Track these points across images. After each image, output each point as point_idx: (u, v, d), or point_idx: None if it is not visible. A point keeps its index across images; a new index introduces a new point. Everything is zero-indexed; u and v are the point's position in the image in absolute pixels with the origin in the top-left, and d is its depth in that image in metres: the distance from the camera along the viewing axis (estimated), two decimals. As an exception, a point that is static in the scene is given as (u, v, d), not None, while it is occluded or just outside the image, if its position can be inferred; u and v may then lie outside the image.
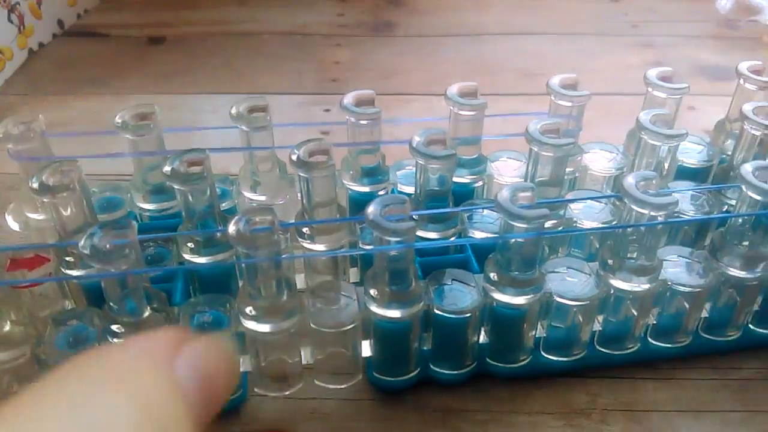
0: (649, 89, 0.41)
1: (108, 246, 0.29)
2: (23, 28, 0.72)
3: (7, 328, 0.32)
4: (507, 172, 0.42)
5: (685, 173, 0.43)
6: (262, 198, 0.40)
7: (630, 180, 0.32)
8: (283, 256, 0.32)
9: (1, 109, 0.64)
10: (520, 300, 0.34)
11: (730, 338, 0.38)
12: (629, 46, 0.76)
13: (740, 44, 0.75)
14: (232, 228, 0.30)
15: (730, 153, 0.42)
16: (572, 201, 0.39)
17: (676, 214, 0.39)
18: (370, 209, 0.30)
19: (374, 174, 0.41)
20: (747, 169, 0.33)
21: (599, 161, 0.43)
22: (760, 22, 0.78)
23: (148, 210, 0.40)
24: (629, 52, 0.74)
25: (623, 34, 0.79)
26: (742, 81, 0.42)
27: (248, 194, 0.40)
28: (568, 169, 0.40)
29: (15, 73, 0.70)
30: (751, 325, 0.39)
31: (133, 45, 0.77)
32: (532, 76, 0.46)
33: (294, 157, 0.34)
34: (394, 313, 0.33)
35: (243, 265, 0.31)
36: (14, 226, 0.40)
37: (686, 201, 0.40)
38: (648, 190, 0.32)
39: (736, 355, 0.39)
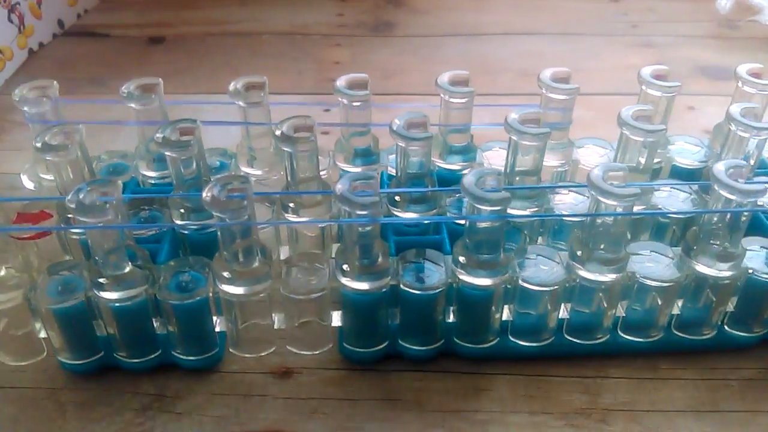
0: (643, 87, 0.42)
1: (94, 201, 0.32)
2: (23, 28, 0.72)
3: (2, 272, 0.35)
4: (496, 161, 0.44)
5: (680, 174, 0.45)
6: (258, 172, 0.43)
7: (596, 171, 0.34)
8: (256, 222, 0.34)
9: (1, 109, 0.64)
10: (485, 281, 0.35)
11: (704, 337, 0.39)
12: (629, 46, 0.76)
13: (740, 44, 0.76)
14: (206, 193, 0.33)
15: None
16: (540, 188, 0.40)
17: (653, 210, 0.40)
18: (339, 184, 0.33)
19: (366, 156, 0.43)
20: (719, 167, 0.35)
21: (591, 156, 0.45)
22: (760, 22, 0.78)
23: (150, 177, 0.44)
24: (629, 52, 0.75)
25: (623, 34, 0.79)
26: (740, 84, 0.43)
27: (245, 169, 0.43)
28: (557, 162, 0.43)
29: (15, 73, 0.71)
30: (726, 326, 0.40)
31: (133, 45, 0.78)
32: (532, 76, 0.46)
33: (278, 132, 0.37)
34: (362, 286, 0.35)
35: (218, 230, 0.34)
36: (29, 185, 0.43)
37: (674, 200, 0.41)
38: (613, 182, 0.33)
39: (736, 355, 0.40)
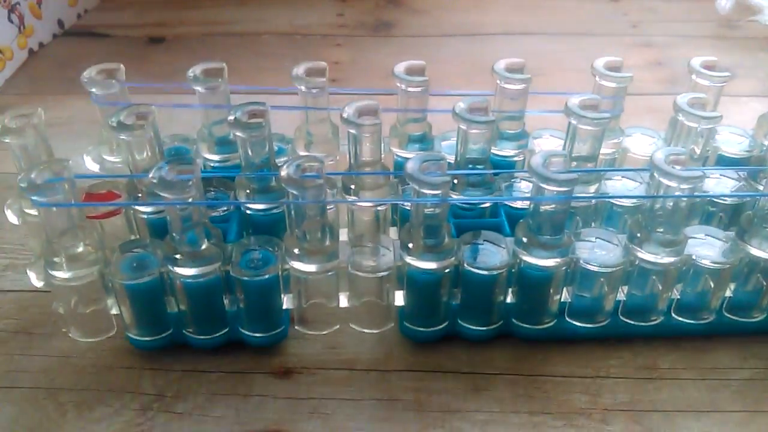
0: (693, 77, 0.45)
1: (174, 178, 0.33)
2: (23, 28, 0.73)
3: (80, 249, 0.36)
4: (548, 148, 0.45)
5: (726, 162, 0.46)
6: (316, 156, 0.43)
7: (659, 155, 0.35)
8: (328, 200, 0.36)
9: (1, 109, 0.64)
10: (547, 262, 0.37)
11: (755, 320, 0.40)
12: (629, 46, 0.77)
13: (740, 44, 0.76)
14: (283, 171, 0.34)
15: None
16: (602, 171, 0.42)
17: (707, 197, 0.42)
18: (409, 164, 0.34)
19: (420, 142, 0.44)
20: None
21: (640, 145, 0.46)
22: (760, 22, 0.78)
23: (212, 160, 0.45)
24: (629, 52, 0.75)
25: (623, 34, 0.80)
26: (694, 76, 0.45)
27: (302, 153, 0.44)
28: (608, 150, 0.44)
29: (15, 73, 0.72)
30: None
31: (133, 45, 0.78)
32: (532, 76, 0.46)
33: (345, 115, 0.38)
34: (428, 264, 0.36)
35: (291, 208, 0.35)
36: (93, 167, 0.44)
37: (723, 188, 0.43)
38: (675, 166, 0.35)
39: (736, 355, 0.40)
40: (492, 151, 0.44)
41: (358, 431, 0.36)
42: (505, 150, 0.44)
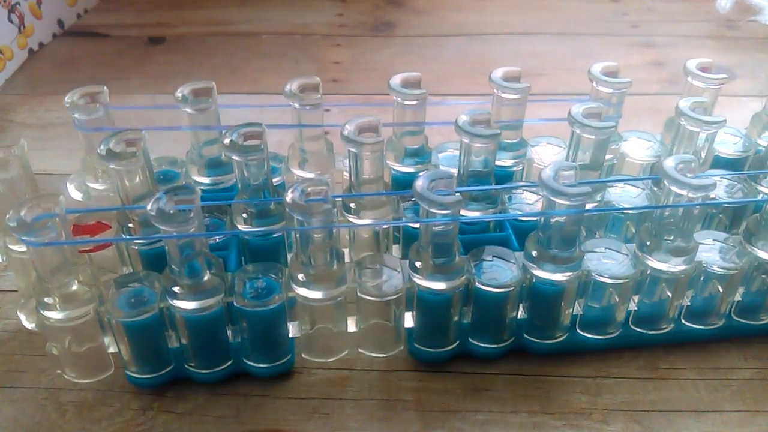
0: (689, 79, 0.43)
1: (173, 209, 0.31)
2: (23, 28, 0.72)
3: (74, 287, 0.34)
4: (547, 156, 0.44)
5: (721, 163, 0.45)
6: (310, 175, 0.42)
7: (669, 162, 0.34)
8: (334, 224, 0.34)
9: (1, 109, 0.64)
10: (559, 277, 0.35)
11: (763, 322, 0.40)
12: (629, 46, 0.76)
13: (740, 44, 0.76)
14: (288, 196, 0.32)
15: (766, 144, 0.44)
16: (611, 181, 0.41)
17: (712, 200, 0.41)
18: (419, 183, 0.33)
19: (417, 155, 0.43)
20: None
21: (637, 149, 0.45)
22: (760, 22, 0.78)
23: (203, 183, 0.43)
24: (629, 52, 0.75)
25: (623, 34, 0.79)
26: (690, 78, 0.44)
27: (296, 171, 0.43)
28: (607, 156, 0.42)
29: (15, 73, 0.71)
30: None
31: (133, 45, 0.77)
32: (532, 76, 0.46)
33: (345, 133, 0.36)
34: (438, 285, 0.35)
35: (296, 234, 0.34)
36: (76, 195, 0.42)
37: (721, 189, 0.42)
38: (686, 173, 0.34)
39: (736, 356, 0.40)
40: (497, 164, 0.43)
41: (358, 431, 0.35)
42: (504, 160, 0.43)
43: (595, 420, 0.36)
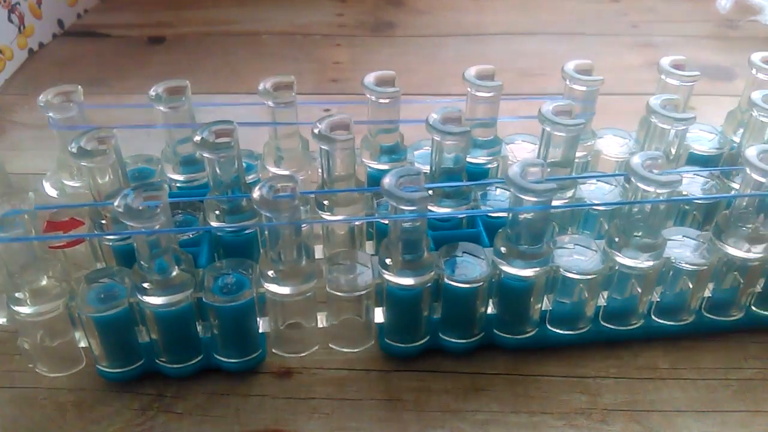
0: (662, 77, 0.44)
1: (140, 206, 0.32)
2: (23, 28, 0.72)
3: (44, 282, 0.35)
4: (521, 154, 0.44)
5: (696, 160, 0.46)
6: (286, 172, 0.42)
7: (636, 159, 0.34)
8: (302, 220, 0.34)
9: (1, 109, 0.64)
10: (527, 272, 0.36)
11: (733, 318, 0.40)
12: (629, 46, 0.76)
13: (740, 44, 0.76)
14: (256, 193, 0.33)
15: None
16: (580, 177, 0.41)
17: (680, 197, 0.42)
18: (386, 180, 0.33)
19: (393, 152, 0.43)
20: (751, 152, 0.35)
21: (612, 146, 0.46)
22: (760, 22, 0.78)
23: (178, 181, 0.43)
24: (629, 52, 0.75)
25: (623, 34, 0.79)
26: (754, 71, 0.45)
27: (272, 168, 0.43)
28: (580, 153, 0.43)
29: (15, 73, 0.71)
30: (753, 307, 0.40)
31: (133, 45, 0.77)
32: (533, 76, 0.46)
33: (316, 131, 0.37)
34: (407, 281, 0.35)
35: (266, 230, 0.34)
36: (52, 192, 0.43)
37: (695, 186, 0.42)
38: (653, 170, 0.34)
39: (736, 355, 0.39)
40: (468, 160, 0.43)
41: (358, 431, 0.36)
42: (478, 157, 0.43)
43: (595, 420, 0.36)
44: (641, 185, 0.34)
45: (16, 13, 0.71)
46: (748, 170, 0.35)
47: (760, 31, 0.79)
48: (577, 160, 0.44)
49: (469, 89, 0.42)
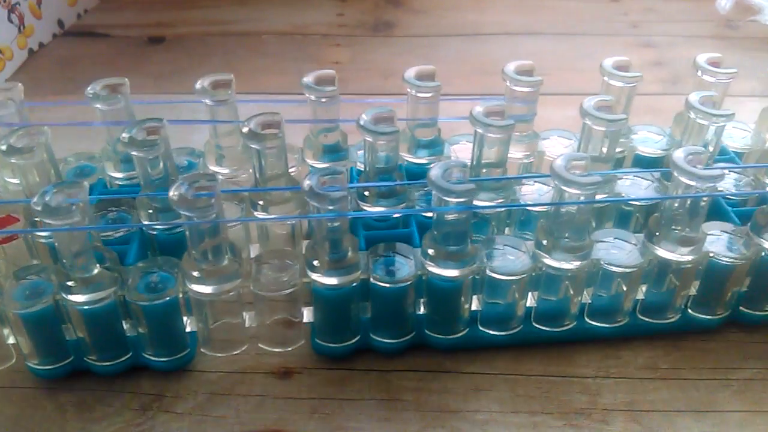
0: (605, 78, 0.44)
1: (59, 203, 0.32)
2: (23, 28, 0.73)
3: None
4: (464, 154, 0.44)
5: (643, 162, 0.46)
6: (226, 171, 0.43)
7: (559, 162, 0.34)
8: (223, 219, 0.35)
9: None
10: (453, 272, 0.36)
11: (669, 321, 0.40)
12: (629, 46, 0.76)
13: (740, 44, 0.76)
14: (173, 192, 0.33)
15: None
16: (513, 178, 0.41)
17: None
18: (307, 180, 0.33)
19: (334, 152, 0.44)
20: (678, 155, 0.35)
21: (556, 147, 0.46)
22: (760, 22, 0.78)
23: (117, 178, 0.44)
24: (629, 52, 0.74)
25: (623, 34, 0.79)
26: (699, 73, 0.45)
27: (213, 167, 0.44)
28: (523, 154, 0.44)
29: (15, 73, 0.72)
30: (689, 310, 0.40)
31: (133, 45, 0.78)
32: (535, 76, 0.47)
33: (245, 130, 0.37)
34: (331, 281, 0.36)
35: (187, 229, 0.34)
36: None
37: (636, 188, 0.42)
38: (575, 171, 0.34)
39: (736, 355, 0.40)
40: (407, 159, 0.44)
41: (358, 431, 0.36)
42: (421, 158, 0.44)
43: (595, 420, 0.36)
44: (563, 187, 0.34)
45: (16, 13, 0.71)
46: (675, 173, 0.35)
47: (760, 31, 0.78)
48: (521, 161, 0.44)
49: (409, 90, 0.42)
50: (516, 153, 0.43)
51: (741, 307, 0.41)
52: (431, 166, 0.34)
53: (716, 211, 0.42)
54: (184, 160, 0.45)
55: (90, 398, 0.37)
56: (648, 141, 0.46)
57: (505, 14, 0.84)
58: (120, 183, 0.44)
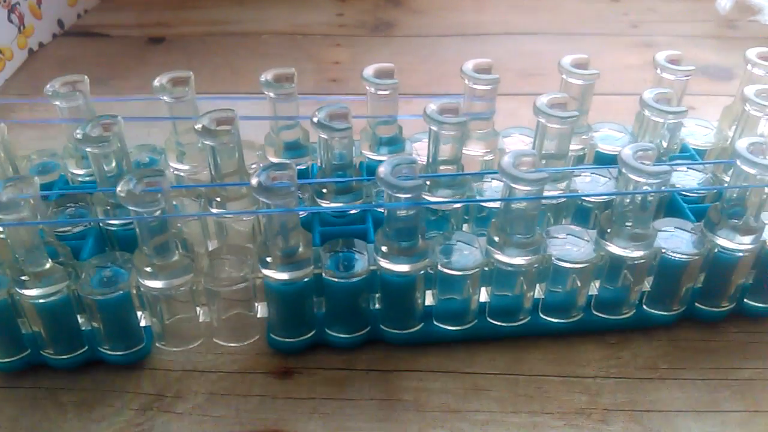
0: (563, 76, 0.45)
1: (8, 198, 0.33)
2: (23, 28, 0.73)
3: None
4: (425, 151, 0.44)
5: (603, 159, 0.46)
6: (187, 168, 0.44)
7: (507, 159, 0.35)
8: (171, 215, 0.35)
9: (1, 109, 0.64)
10: (404, 268, 0.36)
11: (624, 316, 0.41)
12: (629, 46, 0.76)
13: (740, 44, 0.76)
14: (120, 187, 0.33)
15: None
16: (463, 175, 0.41)
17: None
18: (255, 178, 0.34)
19: (295, 149, 0.44)
20: (626, 152, 0.35)
21: (517, 145, 0.46)
22: (760, 22, 0.78)
23: (78, 175, 0.45)
24: (629, 52, 0.75)
25: (623, 34, 0.79)
26: (659, 71, 0.44)
27: (174, 164, 0.44)
28: (484, 151, 0.44)
29: (15, 73, 0.72)
30: (644, 306, 0.41)
31: (133, 45, 0.78)
32: (533, 76, 0.46)
33: (198, 126, 0.37)
34: (283, 276, 0.36)
35: (137, 225, 0.35)
36: None
37: (594, 184, 0.43)
38: (523, 168, 0.35)
39: (736, 355, 0.40)
40: (369, 156, 0.44)
41: (358, 431, 0.36)
42: (382, 155, 0.44)
43: (595, 420, 0.36)
44: (512, 184, 0.34)
45: (16, 13, 0.71)
46: (623, 170, 0.35)
47: (760, 31, 0.78)
48: (483, 159, 0.44)
49: (368, 88, 0.42)
50: (477, 150, 0.44)
51: (697, 303, 0.41)
52: (381, 163, 0.35)
53: (673, 208, 0.42)
54: (146, 157, 0.46)
55: (90, 398, 0.37)
56: (608, 138, 0.46)
57: (505, 14, 0.85)
58: (81, 180, 0.44)
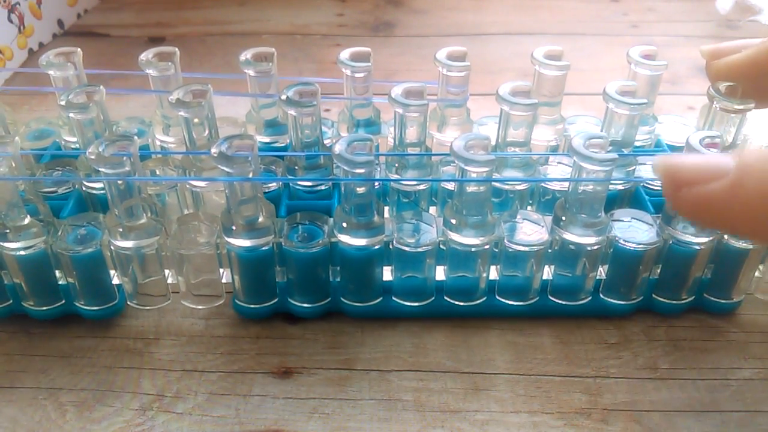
0: (536, 68, 0.48)
1: None
2: (23, 28, 0.73)
3: None
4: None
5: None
6: (172, 140, 0.47)
7: (459, 142, 0.37)
8: (138, 177, 0.38)
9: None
10: (361, 242, 0.39)
11: (580, 302, 0.42)
12: (629, 46, 0.76)
13: (740, 44, 0.76)
14: (91, 149, 0.36)
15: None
16: (423, 155, 0.43)
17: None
18: (215, 146, 0.36)
19: (274, 126, 0.48)
20: (578, 140, 0.37)
21: (493, 132, 0.48)
22: (760, 22, 0.78)
23: (71, 142, 0.49)
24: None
25: (623, 34, 0.80)
26: (633, 66, 0.47)
27: (160, 136, 0.47)
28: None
29: (15, 73, 0.71)
30: (601, 294, 0.41)
31: (133, 45, 0.79)
32: (532, 76, 0.46)
33: (172, 99, 0.40)
34: (245, 243, 0.39)
35: (106, 186, 0.38)
36: None
37: (560, 172, 0.45)
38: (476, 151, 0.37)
39: (736, 355, 0.40)
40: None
41: (358, 431, 0.36)
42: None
43: (595, 420, 0.36)
44: (465, 166, 0.36)
45: (16, 13, 0.72)
46: (574, 158, 0.37)
47: (760, 31, 0.79)
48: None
49: (344, 71, 0.45)
50: (451, 136, 0.46)
51: (654, 295, 0.43)
52: (337, 140, 0.37)
53: (635, 199, 0.45)
54: (134, 128, 0.50)
55: (90, 398, 0.39)
56: (582, 132, 0.47)
57: (505, 14, 0.86)
58: (73, 146, 0.48)
